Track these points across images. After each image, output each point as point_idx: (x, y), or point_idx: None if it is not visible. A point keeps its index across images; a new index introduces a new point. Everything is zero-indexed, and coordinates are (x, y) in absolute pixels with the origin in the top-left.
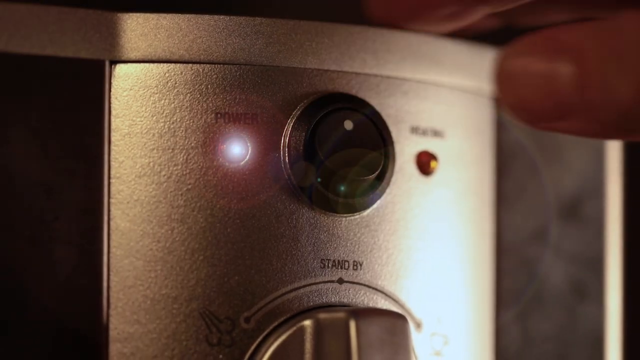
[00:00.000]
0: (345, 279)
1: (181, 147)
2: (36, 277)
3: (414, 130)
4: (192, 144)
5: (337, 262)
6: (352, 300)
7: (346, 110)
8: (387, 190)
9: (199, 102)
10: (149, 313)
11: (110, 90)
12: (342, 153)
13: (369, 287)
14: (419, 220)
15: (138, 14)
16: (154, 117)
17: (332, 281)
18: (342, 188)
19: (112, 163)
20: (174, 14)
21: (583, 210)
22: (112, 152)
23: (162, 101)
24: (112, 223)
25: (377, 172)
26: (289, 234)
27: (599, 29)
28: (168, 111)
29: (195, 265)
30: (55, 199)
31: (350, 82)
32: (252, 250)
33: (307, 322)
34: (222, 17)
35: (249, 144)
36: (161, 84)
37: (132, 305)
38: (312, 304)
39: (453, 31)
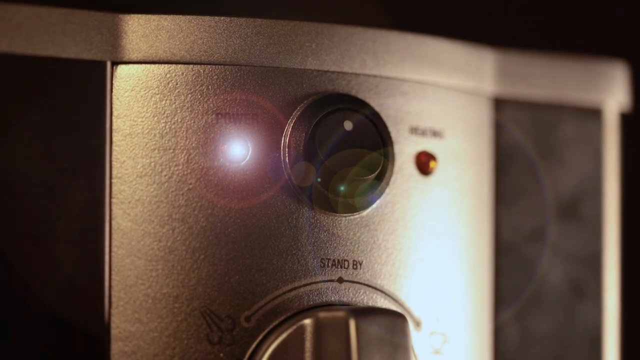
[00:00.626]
0: (345, 278)
1: (182, 148)
2: (38, 276)
3: (413, 130)
4: (193, 144)
5: (337, 261)
6: (351, 299)
7: (346, 111)
8: (387, 190)
9: (199, 102)
10: (150, 312)
11: (111, 91)
12: (342, 153)
13: (368, 286)
14: (418, 220)
15: (139, 15)
16: (155, 118)
17: (332, 280)
18: (342, 188)
19: (114, 163)
20: (175, 15)
21: (581, 209)
22: (114, 153)
23: (163, 102)
24: (113, 223)
25: (376, 172)
26: (289, 233)
27: None
28: (169, 112)
29: (196, 265)
30: (57, 199)
31: (350, 82)
32: (252, 250)
33: (307, 321)
34: (222, 18)
35: (249, 144)
36: (162, 84)
37: (133, 304)
38: (312, 303)
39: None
